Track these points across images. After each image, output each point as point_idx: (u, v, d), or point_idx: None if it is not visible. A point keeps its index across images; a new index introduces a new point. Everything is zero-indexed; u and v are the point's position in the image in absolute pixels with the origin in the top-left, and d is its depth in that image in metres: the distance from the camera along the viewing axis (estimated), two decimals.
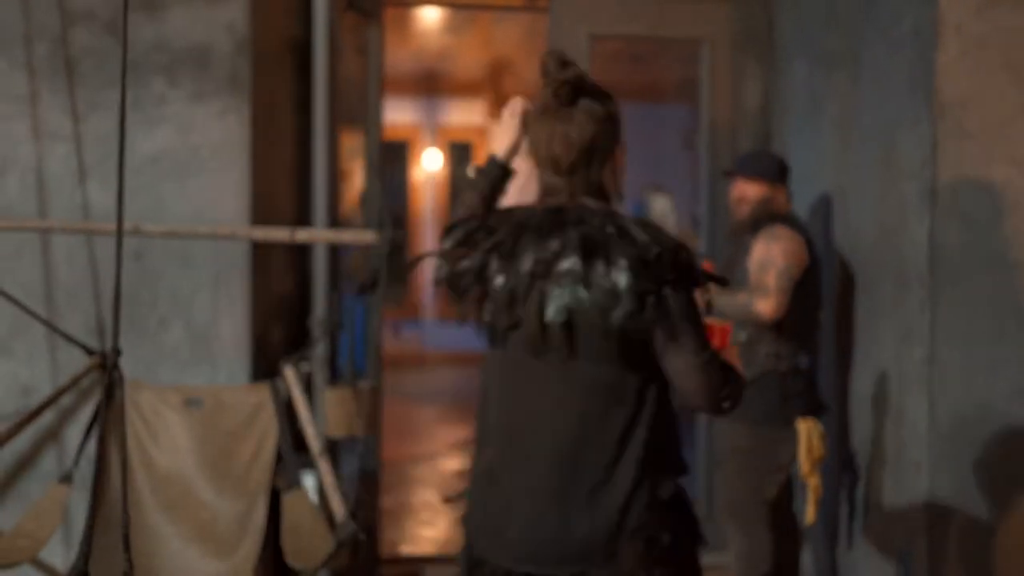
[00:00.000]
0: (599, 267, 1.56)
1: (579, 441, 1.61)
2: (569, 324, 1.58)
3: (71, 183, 2.96)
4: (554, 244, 1.59)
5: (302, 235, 2.67)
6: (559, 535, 1.60)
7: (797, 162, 3.62)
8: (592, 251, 1.57)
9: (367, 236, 2.37)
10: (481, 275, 1.62)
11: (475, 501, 1.71)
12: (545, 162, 1.71)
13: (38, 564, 2.80)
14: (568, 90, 1.66)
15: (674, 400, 1.69)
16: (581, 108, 1.67)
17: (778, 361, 2.99)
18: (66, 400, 2.90)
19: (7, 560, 2.43)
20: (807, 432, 3.03)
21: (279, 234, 2.73)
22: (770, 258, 2.95)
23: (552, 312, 1.58)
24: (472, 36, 8.98)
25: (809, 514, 3.10)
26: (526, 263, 1.59)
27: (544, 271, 1.58)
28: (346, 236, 2.63)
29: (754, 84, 3.95)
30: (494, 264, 1.62)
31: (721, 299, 2.82)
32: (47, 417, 2.93)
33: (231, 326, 3.02)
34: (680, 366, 1.62)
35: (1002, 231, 2.80)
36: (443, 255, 1.68)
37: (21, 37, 2.94)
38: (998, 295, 2.81)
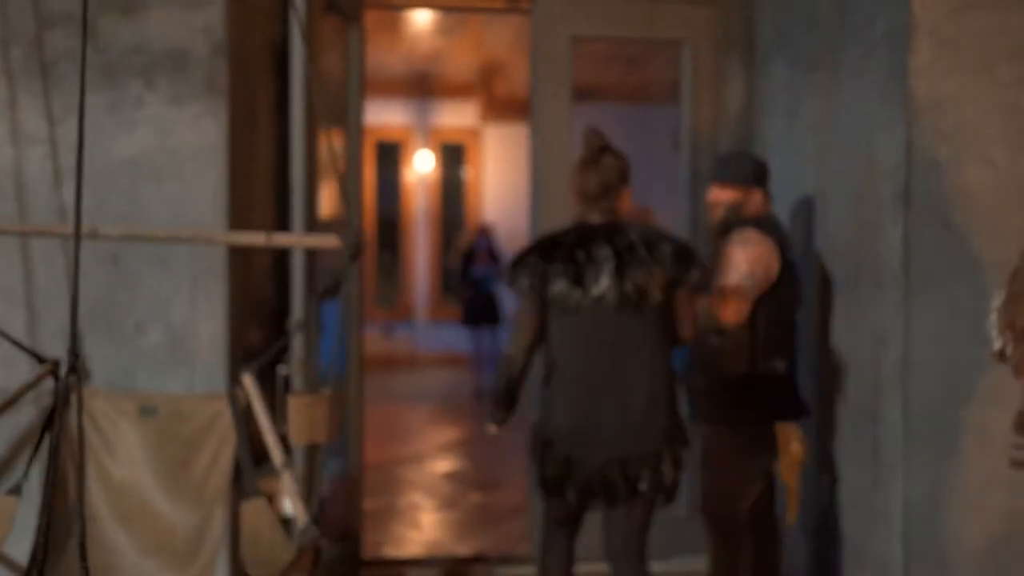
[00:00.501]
0: (654, 253, 2.70)
1: (651, 367, 2.74)
2: (642, 290, 2.68)
3: (48, 186, 2.96)
4: (620, 241, 2.71)
5: (257, 239, 2.65)
6: (642, 429, 2.73)
7: (778, 164, 3.62)
8: (649, 245, 2.70)
9: (331, 241, 2.37)
10: (544, 273, 2.72)
11: (562, 419, 2.77)
12: (580, 196, 2.81)
13: None
14: (599, 151, 2.82)
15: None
16: (605, 161, 2.80)
17: (752, 365, 2.99)
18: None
19: None
20: (786, 436, 3.03)
21: (240, 238, 2.74)
22: (734, 262, 2.96)
23: (629, 285, 2.67)
24: (464, 38, 8.99)
25: (789, 517, 3.10)
26: (601, 255, 2.70)
27: (621, 259, 2.68)
28: (309, 240, 2.63)
29: (736, 86, 3.96)
30: (558, 265, 2.71)
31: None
32: (19, 424, 2.92)
33: (209, 330, 3.02)
34: (686, 311, 2.82)
35: (977, 233, 2.80)
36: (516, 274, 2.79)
37: None
38: (973, 296, 2.81)
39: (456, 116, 11.00)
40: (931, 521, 2.84)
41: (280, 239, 2.85)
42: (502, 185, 10.76)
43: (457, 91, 10.66)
